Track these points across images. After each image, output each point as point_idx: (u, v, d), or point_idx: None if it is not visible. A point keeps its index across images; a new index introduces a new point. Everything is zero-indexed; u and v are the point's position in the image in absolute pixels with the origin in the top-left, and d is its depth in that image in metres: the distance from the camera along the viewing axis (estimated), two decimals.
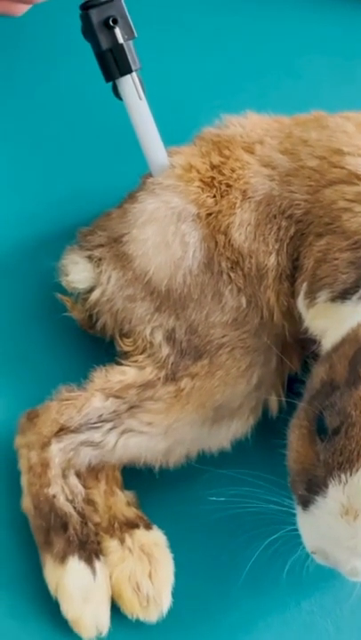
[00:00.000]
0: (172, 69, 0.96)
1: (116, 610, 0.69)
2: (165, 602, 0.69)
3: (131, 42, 0.77)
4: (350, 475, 0.59)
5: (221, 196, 0.76)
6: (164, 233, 0.75)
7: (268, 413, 0.76)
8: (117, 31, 0.77)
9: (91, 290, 0.77)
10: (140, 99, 0.78)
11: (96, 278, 0.76)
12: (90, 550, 0.69)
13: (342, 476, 0.59)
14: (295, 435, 0.64)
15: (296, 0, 1.04)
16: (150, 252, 0.74)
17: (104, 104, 0.81)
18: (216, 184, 0.76)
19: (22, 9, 0.85)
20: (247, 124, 0.81)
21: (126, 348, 0.75)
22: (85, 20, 0.77)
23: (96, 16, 0.76)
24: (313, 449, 0.62)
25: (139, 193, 0.78)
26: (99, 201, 0.82)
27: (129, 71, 0.77)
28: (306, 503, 0.62)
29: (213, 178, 0.76)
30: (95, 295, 0.76)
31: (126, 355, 0.75)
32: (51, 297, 0.80)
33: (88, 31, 0.77)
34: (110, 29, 0.76)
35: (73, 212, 0.85)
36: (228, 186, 0.76)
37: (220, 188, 0.76)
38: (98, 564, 0.69)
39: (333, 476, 0.59)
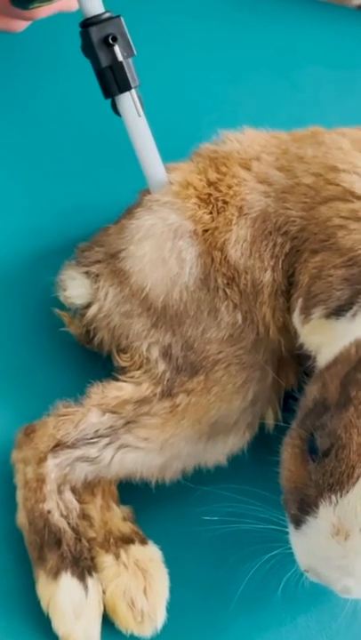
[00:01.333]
0: (171, 84, 0.95)
1: (110, 625, 0.68)
2: (160, 617, 0.68)
3: (130, 59, 0.76)
4: (340, 496, 0.57)
5: (218, 213, 0.75)
6: (160, 249, 0.74)
7: (265, 429, 0.75)
8: (117, 49, 0.76)
9: (88, 305, 0.76)
10: (139, 115, 0.77)
11: (93, 294, 0.75)
12: (83, 567, 0.68)
13: (333, 497, 0.58)
14: (288, 453, 0.63)
15: (295, 12, 1.03)
16: (147, 268, 0.73)
17: (104, 119, 0.80)
18: (213, 200, 0.75)
19: (22, 25, 0.85)
20: (244, 140, 0.79)
21: (123, 364, 0.74)
22: (85, 37, 0.76)
23: (96, 34, 0.75)
24: (305, 468, 0.61)
25: (136, 209, 0.76)
26: (98, 216, 0.81)
27: (128, 88, 0.76)
28: (298, 522, 0.61)
29: (210, 194, 0.75)
30: (92, 311, 0.75)
31: (123, 370, 0.74)
32: (49, 311, 0.79)
33: (88, 48, 0.76)
34: (110, 47, 0.75)
35: (73, 227, 0.84)
36: (225, 202, 0.75)
37: (217, 205, 0.75)
38: (90, 581, 0.68)
39: (324, 497, 0.58)
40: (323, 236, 0.71)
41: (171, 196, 0.75)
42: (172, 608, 0.69)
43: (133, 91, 0.76)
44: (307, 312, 0.71)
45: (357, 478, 0.57)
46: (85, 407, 0.71)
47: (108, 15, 0.75)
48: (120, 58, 0.75)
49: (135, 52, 0.76)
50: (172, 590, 0.69)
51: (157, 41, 0.96)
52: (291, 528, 0.62)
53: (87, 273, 0.76)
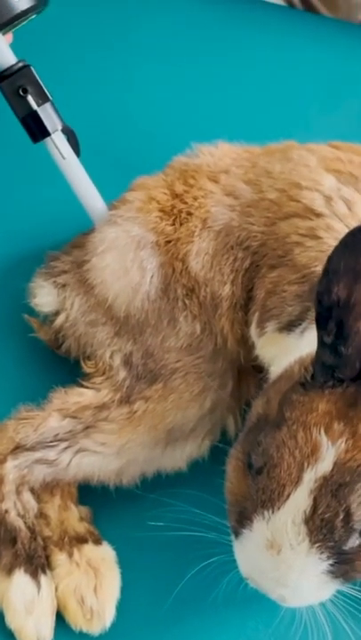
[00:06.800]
0: (161, 97, 0.93)
1: (63, 621, 0.67)
2: (108, 616, 0.66)
3: (47, 104, 0.74)
4: (272, 512, 0.55)
5: (181, 224, 0.72)
6: (123, 260, 0.72)
7: (227, 436, 0.73)
8: (30, 99, 0.74)
9: (57, 313, 0.74)
10: (64, 158, 0.75)
11: (61, 303, 0.74)
12: (36, 564, 0.67)
13: (265, 513, 0.56)
14: (231, 466, 0.61)
15: (280, 27, 1.00)
16: (109, 279, 0.72)
17: (80, 127, 0.78)
18: (176, 212, 0.73)
19: None
20: (217, 154, 0.77)
21: (88, 370, 0.73)
22: (1, 91, 0.75)
23: (7, 88, 0.74)
24: (245, 482, 0.59)
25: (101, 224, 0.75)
26: (74, 225, 0.79)
27: (46, 134, 0.75)
28: (237, 533, 0.59)
29: (174, 206, 0.73)
30: (60, 319, 0.74)
31: (89, 376, 0.73)
32: (21, 317, 0.77)
33: (6, 101, 0.75)
34: (22, 98, 0.74)
35: (48, 234, 0.82)
36: (189, 214, 0.73)
37: (180, 216, 0.72)
38: (43, 578, 0.66)
39: (258, 512, 0.56)
40: (281, 251, 0.69)
41: (133, 211, 0.73)
42: (122, 608, 0.67)
43: (55, 135, 0.75)
44: (262, 326, 0.69)
45: (287, 497, 0.55)
46: (46, 411, 0.70)
47: (19, 66, 0.74)
48: (34, 107, 0.74)
49: (51, 98, 0.74)
50: (125, 590, 0.68)
51: (151, 57, 0.94)
52: (233, 537, 0.61)
53: (55, 282, 0.75)
